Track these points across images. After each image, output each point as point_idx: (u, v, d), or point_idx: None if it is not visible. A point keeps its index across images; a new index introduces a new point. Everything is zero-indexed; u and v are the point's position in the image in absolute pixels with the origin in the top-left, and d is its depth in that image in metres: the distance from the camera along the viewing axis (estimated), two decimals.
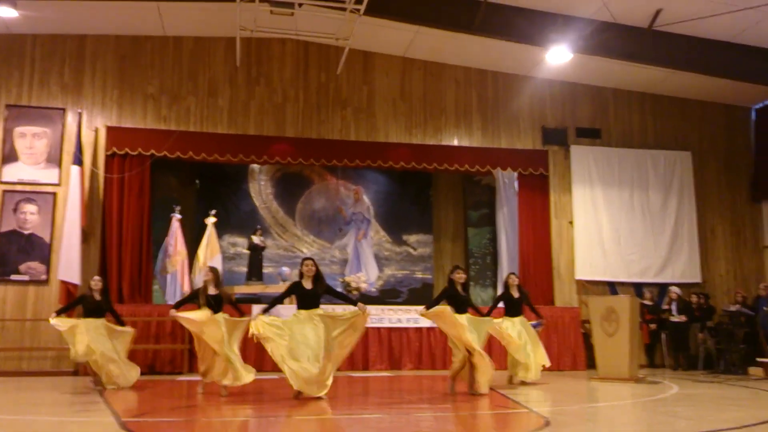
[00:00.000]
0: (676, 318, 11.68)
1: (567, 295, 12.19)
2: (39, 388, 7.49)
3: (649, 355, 11.95)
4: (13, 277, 10.45)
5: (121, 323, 8.48)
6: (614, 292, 12.04)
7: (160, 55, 11.61)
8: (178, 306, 7.82)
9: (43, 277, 10.48)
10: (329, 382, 6.96)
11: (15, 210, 10.64)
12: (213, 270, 7.79)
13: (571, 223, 12.46)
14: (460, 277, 7.76)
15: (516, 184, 12.56)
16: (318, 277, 7.24)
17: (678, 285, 12.20)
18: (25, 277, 10.47)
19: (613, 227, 12.45)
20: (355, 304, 7.31)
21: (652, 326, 11.78)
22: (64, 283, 10.24)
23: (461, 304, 7.66)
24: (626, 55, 11.38)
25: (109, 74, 11.35)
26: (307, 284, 7.21)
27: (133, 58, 11.48)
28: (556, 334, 11.30)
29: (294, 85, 12.01)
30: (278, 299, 7.27)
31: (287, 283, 9.76)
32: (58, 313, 8.24)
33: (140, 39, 11.54)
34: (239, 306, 7.91)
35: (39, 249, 10.58)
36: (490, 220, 13.39)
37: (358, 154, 11.94)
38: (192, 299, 7.72)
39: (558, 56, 11.33)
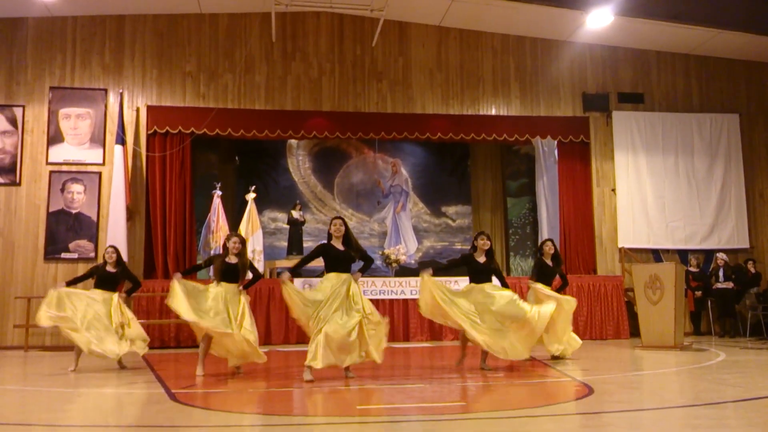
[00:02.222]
0: (723, 284, 11.44)
1: (609, 263, 12.04)
2: (90, 361, 7.74)
3: (694, 323, 11.76)
4: (63, 255, 10.80)
5: (131, 290, 7.98)
6: (658, 260, 11.84)
7: (197, 33, 11.70)
8: (188, 273, 7.57)
9: (92, 254, 10.80)
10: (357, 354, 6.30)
11: (62, 190, 10.95)
12: (241, 240, 7.12)
13: (613, 190, 12.25)
14: (483, 243, 7.20)
15: (556, 153, 12.38)
16: (348, 238, 6.57)
17: (725, 251, 11.91)
18: (75, 255, 10.81)
19: (657, 194, 12.20)
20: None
21: (698, 293, 11.57)
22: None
23: (481, 273, 7.11)
24: (670, 16, 11.01)
25: (147, 54, 11.50)
26: (338, 245, 6.54)
27: (170, 37, 11.60)
28: (599, 302, 11.20)
29: (329, 59, 11.98)
30: (306, 259, 6.68)
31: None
32: (68, 283, 7.68)
33: (177, 18, 11.65)
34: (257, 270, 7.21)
35: (86, 227, 10.89)
36: (529, 190, 13.25)
37: (395, 127, 11.89)
38: (208, 265, 7.27)
39: (599, 19, 11.03)
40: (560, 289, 8.54)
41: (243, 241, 7.09)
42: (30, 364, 8.59)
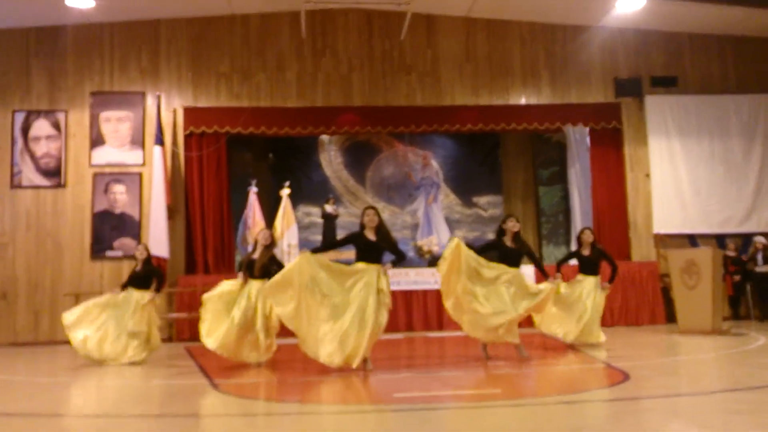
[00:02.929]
0: (762, 268, 11.27)
1: (644, 249, 11.94)
2: (134, 354, 7.99)
3: (733, 307, 11.61)
4: (108, 253, 11.18)
5: (157, 288, 8.04)
6: (694, 245, 11.70)
7: (229, 34, 11.93)
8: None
9: (135, 252, 11.12)
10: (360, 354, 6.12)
11: (105, 191, 11.33)
12: (269, 234, 7.18)
13: (647, 175, 12.12)
14: (513, 225, 7.03)
15: (588, 140, 12.30)
16: (381, 229, 6.42)
17: (764, 234, 11.72)
18: (119, 253, 11.18)
19: (692, 178, 12.04)
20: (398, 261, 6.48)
21: (736, 278, 11.42)
22: (153, 257, 10.84)
23: (509, 257, 6.98)
24: None
25: (183, 56, 11.78)
26: (370, 235, 6.40)
27: (204, 39, 11.86)
28: (634, 288, 11.15)
29: (359, 55, 12.10)
30: (334, 243, 6.60)
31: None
32: (123, 287, 8.02)
33: (210, 20, 11.90)
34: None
35: (129, 226, 11.25)
36: (561, 178, 13.19)
37: (425, 120, 11.96)
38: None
39: (630, 3, 10.92)
40: (612, 278, 8.22)
41: (270, 235, 7.15)
42: (80, 358, 8.94)
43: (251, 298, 6.85)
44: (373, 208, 6.61)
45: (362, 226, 6.51)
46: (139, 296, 7.83)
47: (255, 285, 6.91)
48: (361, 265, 6.31)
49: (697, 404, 4.48)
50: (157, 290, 8.09)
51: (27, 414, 4.69)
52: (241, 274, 7.11)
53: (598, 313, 7.98)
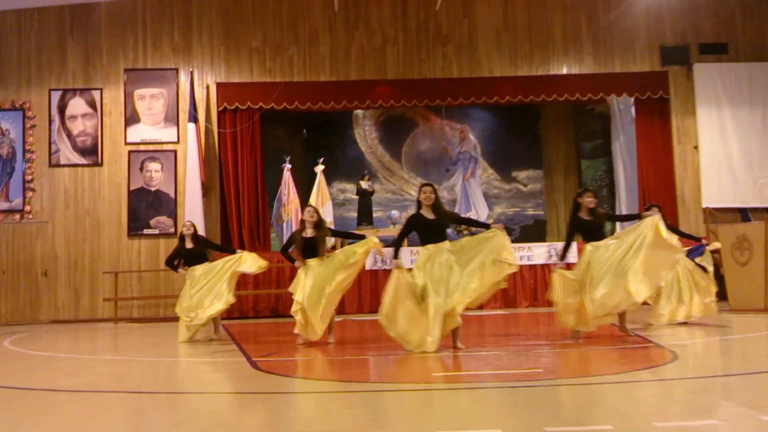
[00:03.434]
0: None
1: (692, 224, 11.51)
2: (176, 333, 8.04)
3: None
4: (145, 231, 11.24)
5: (231, 251, 7.95)
6: (746, 219, 11.23)
7: (261, 8, 11.76)
8: (285, 250, 7.28)
9: (171, 230, 11.19)
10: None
11: (141, 169, 11.35)
12: (315, 210, 7.04)
13: (696, 147, 11.66)
14: (590, 201, 6.61)
15: (633, 110, 11.88)
16: (438, 206, 6.16)
17: None
18: (155, 231, 11.22)
19: (744, 149, 11.56)
20: (487, 227, 6.23)
21: None
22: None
23: (593, 232, 6.61)
24: None
25: (215, 32, 11.67)
26: (428, 214, 6.13)
27: (236, 14, 11.72)
28: None
29: (393, 26, 11.82)
30: (401, 237, 6.33)
31: (405, 217, 8.52)
32: (177, 267, 7.86)
33: None
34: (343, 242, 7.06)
35: (165, 204, 11.27)
36: (605, 151, 12.81)
37: (462, 92, 11.67)
38: (290, 244, 7.12)
39: None
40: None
41: (317, 211, 7.04)
42: (120, 335, 9.03)
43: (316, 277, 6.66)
44: (430, 185, 6.29)
45: (419, 205, 6.22)
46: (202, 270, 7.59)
47: (314, 263, 6.75)
48: (431, 248, 6.04)
49: (750, 384, 4.27)
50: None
51: (71, 390, 4.70)
52: (296, 256, 6.87)
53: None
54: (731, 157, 11.59)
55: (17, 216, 11.24)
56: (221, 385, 5.10)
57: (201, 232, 10.81)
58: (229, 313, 10.35)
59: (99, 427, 3.63)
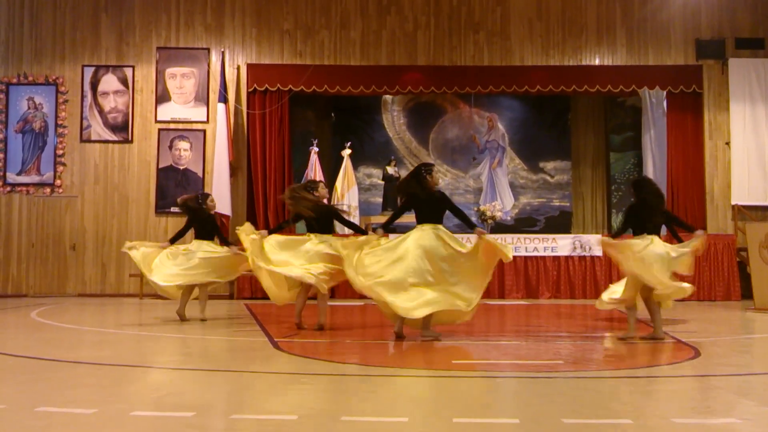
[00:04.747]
0: None
1: (721, 221, 11.36)
2: (198, 310, 8.15)
3: None
4: (173, 209, 11.37)
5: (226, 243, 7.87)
6: None
7: None
8: (276, 230, 7.14)
9: None
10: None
11: (170, 147, 11.49)
12: (321, 186, 6.93)
13: (727, 143, 11.47)
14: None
15: (665, 104, 11.69)
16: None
17: None
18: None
19: None
20: (472, 228, 6.08)
21: None
22: (216, 214, 10.97)
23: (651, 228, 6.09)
24: None
25: (247, 13, 11.71)
26: (429, 194, 5.95)
27: None
28: (708, 262, 10.62)
29: (425, 12, 11.75)
30: (398, 213, 6.18)
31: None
32: (172, 241, 7.88)
33: None
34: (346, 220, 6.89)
35: (193, 183, 11.41)
36: (634, 144, 12.63)
37: (492, 80, 11.59)
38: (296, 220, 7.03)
39: None
40: None
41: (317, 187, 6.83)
42: (144, 311, 9.20)
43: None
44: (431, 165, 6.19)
45: (425, 182, 6.02)
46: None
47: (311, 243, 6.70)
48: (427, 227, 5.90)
49: None
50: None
51: (94, 363, 4.81)
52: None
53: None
54: (764, 155, 11.38)
55: (48, 189, 11.47)
56: (241, 363, 5.18)
57: (228, 212, 10.97)
58: (252, 293, 10.52)
59: (121, 400, 3.72)
